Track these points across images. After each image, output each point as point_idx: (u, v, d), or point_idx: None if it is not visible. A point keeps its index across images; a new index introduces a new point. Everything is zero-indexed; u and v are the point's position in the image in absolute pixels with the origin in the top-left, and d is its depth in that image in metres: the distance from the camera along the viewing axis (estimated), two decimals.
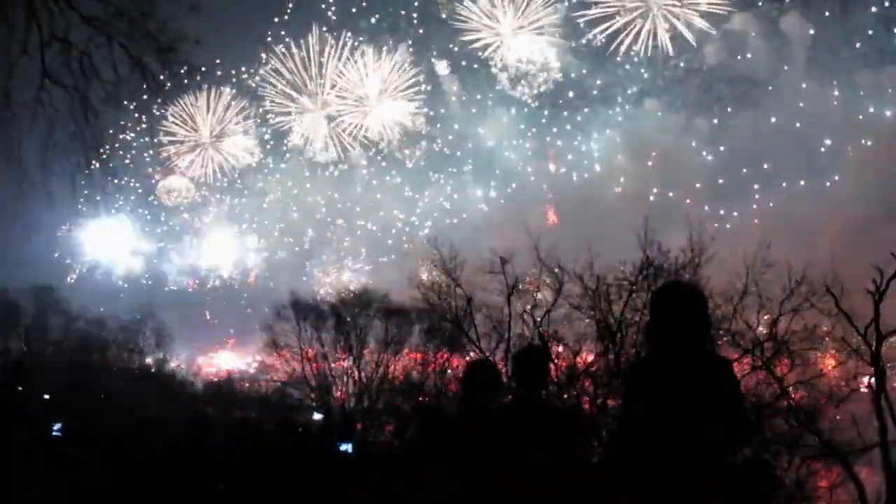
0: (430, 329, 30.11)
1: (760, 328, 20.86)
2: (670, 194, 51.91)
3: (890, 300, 20.27)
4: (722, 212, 51.01)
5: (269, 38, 59.53)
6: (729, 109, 53.89)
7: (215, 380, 47.77)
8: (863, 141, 51.04)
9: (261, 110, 60.70)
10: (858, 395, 21.50)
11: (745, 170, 53.62)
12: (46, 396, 31.39)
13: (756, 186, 53.49)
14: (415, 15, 58.18)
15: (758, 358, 20.28)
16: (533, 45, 56.08)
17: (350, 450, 25.83)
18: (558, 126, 57.70)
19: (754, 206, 52.48)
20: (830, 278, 20.32)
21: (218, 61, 55.86)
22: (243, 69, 59.89)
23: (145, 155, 60.46)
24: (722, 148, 54.47)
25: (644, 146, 55.37)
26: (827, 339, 21.59)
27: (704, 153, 55.27)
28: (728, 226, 48.50)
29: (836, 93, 51.49)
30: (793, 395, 20.74)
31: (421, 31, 58.34)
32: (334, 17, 58.94)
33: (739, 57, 52.89)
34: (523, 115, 58.50)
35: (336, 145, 59.86)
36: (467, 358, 25.26)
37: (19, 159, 13.54)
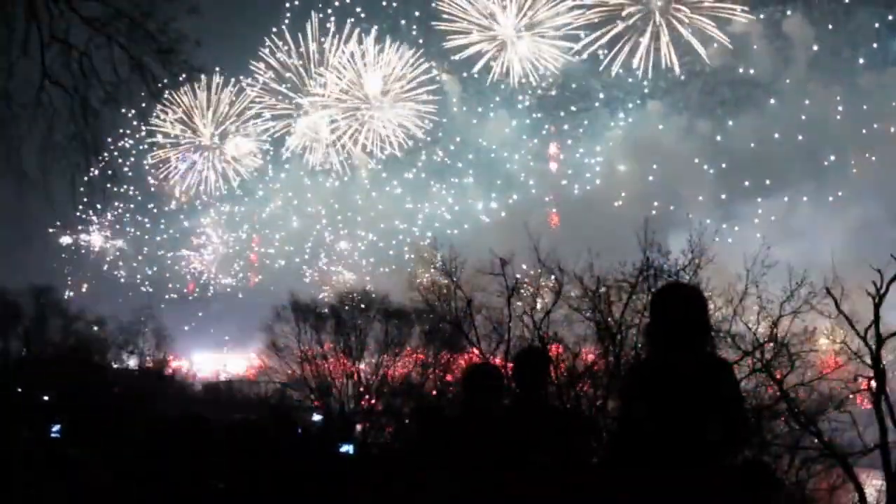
0: (430, 331, 30.13)
1: (760, 330, 20.84)
2: (672, 195, 51.87)
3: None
4: (723, 212, 51.09)
5: (268, 45, 59.34)
6: (730, 115, 53.85)
7: (215, 381, 47.79)
8: (864, 141, 51.08)
9: (260, 118, 60.38)
10: (859, 396, 21.50)
11: (746, 170, 53.70)
12: (46, 397, 31.39)
13: (757, 187, 53.55)
14: (417, 13, 57.94)
15: (758, 360, 20.27)
16: (535, 49, 55.83)
17: (351, 451, 25.84)
18: (560, 129, 57.58)
19: (756, 207, 52.54)
20: (831, 280, 20.33)
21: (217, 68, 55.98)
22: (242, 77, 59.64)
23: (145, 163, 60.38)
24: (722, 149, 54.47)
25: (646, 148, 55.37)
26: (827, 340, 21.58)
27: (706, 153, 55.28)
28: (727, 226, 48.63)
29: (839, 94, 51.53)
30: (793, 397, 20.72)
31: (421, 40, 57.94)
32: (334, 17, 58.68)
33: (741, 59, 52.84)
34: (525, 121, 58.35)
35: (337, 152, 59.53)
36: (465, 357, 25.29)
37: (19, 160, 13.53)
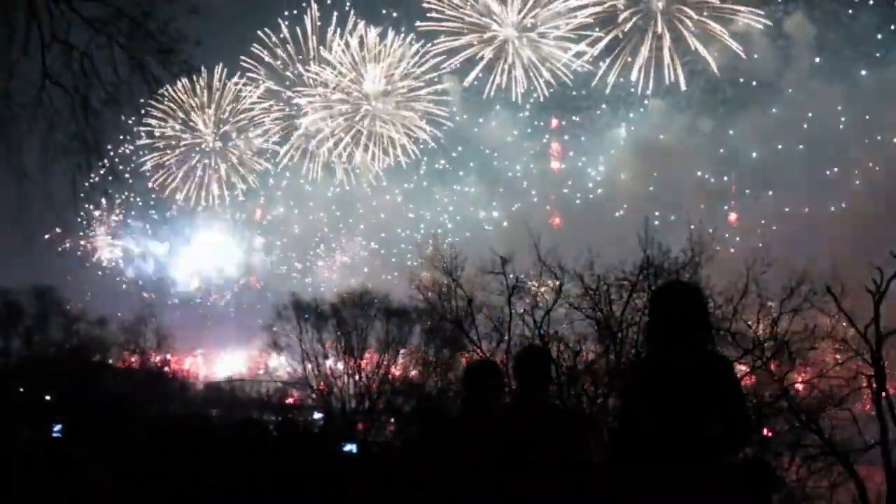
0: (430, 329, 30.13)
1: (761, 328, 20.86)
2: (674, 192, 51.77)
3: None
4: (724, 209, 51.12)
5: (268, 42, 59.09)
6: (732, 114, 53.77)
7: (216, 380, 47.81)
8: (865, 139, 51.07)
9: (259, 123, 60.09)
10: (859, 394, 21.52)
11: (748, 167, 53.70)
12: (47, 397, 31.41)
13: (759, 186, 53.55)
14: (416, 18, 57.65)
15: (758, 358, 20.28)
16: (538, 51, 55.57)
17: (354, 450, 25.88)
18: (561, 127, 57.41)
19: (757, 204, 52.56)
20: (831, 278, 20.36)
21: (220, 64, 55.78)
22: (238, 79, 59.35)
23: (145, 169, 60.23)
24: (724, 146, 54.46)
25: (647, 147, 55.31)
26: (827, 338, 21.59)
27: (708, 151, 55.23)
28: (728, 223, 48.64)
29: (840, 92, 51.50)
30: (793, 395, 20.75)
31: (420, 43, 57.51)
32: (336, 13, 58.14)
33: (745, 58, 52.70)
34: (526, 130, 58.10)
35: (338, 157, 59.20)
36: (466, 355, 25.29)
37: (20, 160, 13.55)
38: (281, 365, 33.72)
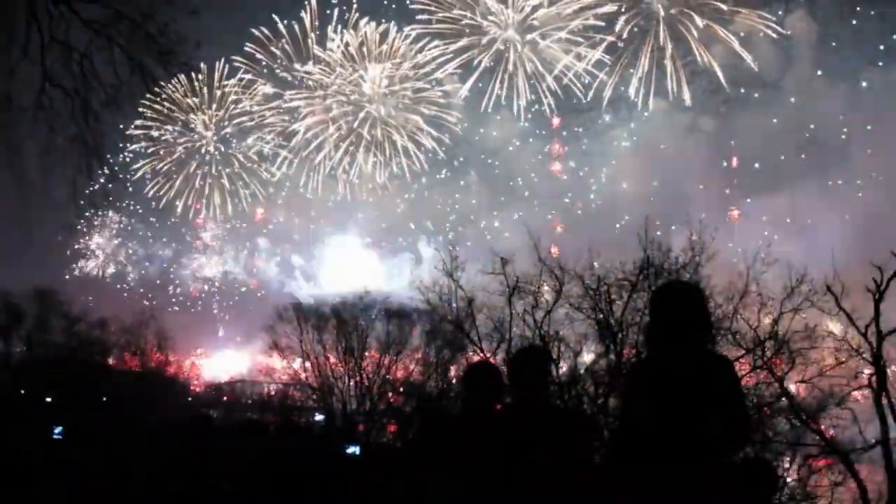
0: (431, 330, 30.13)
1: (761, 327, 20.83)
2: (675, 193, 51.70)
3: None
4: (725, 209, 51.11)
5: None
6: (734, 113, 53.73)
7: (217, 382, 47.82)
8: (867, 139, 51.05)
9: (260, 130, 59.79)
10: (860, 393, 21.49)
11: (749, 167, 53.69)
12: (48, 399, 31.42)
13: (760, 184, 53.53)
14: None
15: (759, 357, 20.27)
16: (539, 54, 55.34)
17: (357, 452, 25.86)
18: (563, 129, 57.26)
19: (758, 204, 52.55)
20: (831, 277, 20.32)
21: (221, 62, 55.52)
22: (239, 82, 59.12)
23: (145, 174, 60.16)
24: (725, 146, 54.42)
25: (650, 148, 55.23)
26: (828, 337, 21.57)
27: (709, 151, 55.19)
28: (728, 223, 48.64)
29: (842, 91, 51.50)
30: (794, 395, 20.73)
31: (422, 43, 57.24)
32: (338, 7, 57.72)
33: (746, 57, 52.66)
34: (528, 138, 57.91)
35: (342, 172, 58.82)
36: (466, 356, 25.28)
37: (20, 162, 13.56)
38: (282, 366, 33.73)
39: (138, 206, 61.86)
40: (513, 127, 57.87)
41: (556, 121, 56.98)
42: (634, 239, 20.89)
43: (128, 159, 56.95)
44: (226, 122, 60.02)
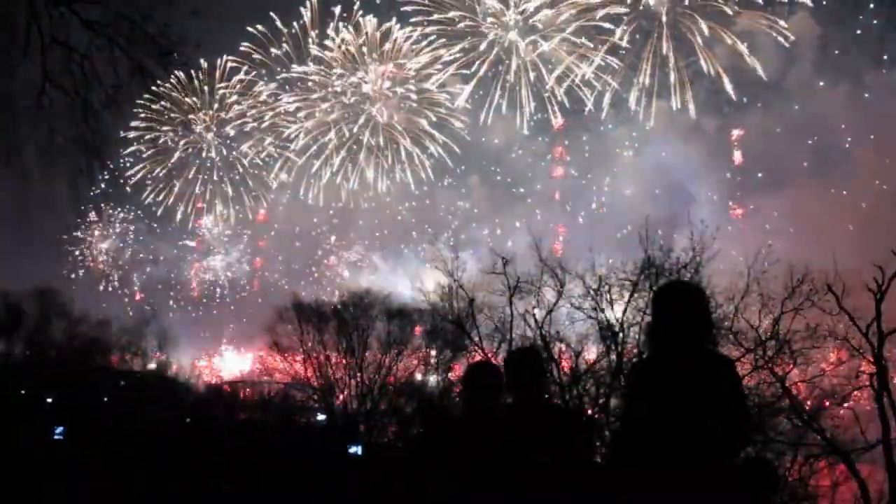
0: (432, 330, 30.10)
1: (762, 327, 20.82)
2: (677, 193, 51.66)
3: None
4: (726, 209, 51.10)
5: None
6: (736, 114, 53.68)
7: (218, 382, 47.83)
8: (868, 139, 51.03)
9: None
10: (861, 393, 21.48)
11: (751, 168, 53.71)
12: (49, 399, 31.43)
13: (761, 184, 53.54)
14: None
15: (760, 357, 20.26)
16: (544, 55, 55.12)
17: (359, 452, 25.85)
18: (566, 133, 57.13)
19: (759, 204, 52.56)
20: (832, 276, 20.30)
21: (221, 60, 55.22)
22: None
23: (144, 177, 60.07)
24: (727, 147, 54.39)
25: (653, 148, 55.17)
26: (829, 337, 21.56)
27: (712, 152, 55.16)
28: (730, 223, 48.60)
29: (844, 92, 51.49)
30: (795, 394, 20.71)
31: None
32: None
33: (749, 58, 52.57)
34: (531, 146, 57.73)
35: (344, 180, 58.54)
36: (467, 356, 25.27)
37: (21, 162, 13.56)
38: (283, 367, 33.70)
39: (140, 212, 61.93)
40: (515, 133, 57.79)
41: (558, 121, 56.79)
42: (637, 245, 20.91)
43: (128, 163, 56.98)
44: (226, 124, 60.02)
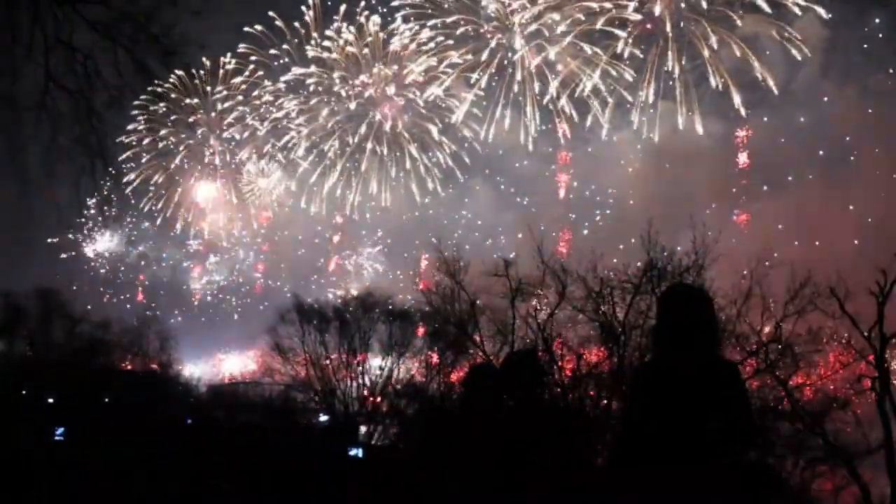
0: (434, 332, 30.09)
1: (765, 330, 20.77)
2: (682, 195, 51.51)
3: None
4: (729, 212, 51.09)
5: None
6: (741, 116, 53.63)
7: (219, 383, 47.84)
8: (873, 142, 50.97)
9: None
10: (863, 397, 21.43)
11: (755, 170, 53.66)
12: (50, 400, 31.42)
13: (764, 186, 53.51)
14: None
15: (762, 360, 20.21)
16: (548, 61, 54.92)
17: (360, 454, 25.84)
18: (569, 138, 56.99)
19: (762, 206, 52.51)
20: (835, 280, 20.26)
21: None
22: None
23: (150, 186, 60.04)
24: (732, 150, 54.36)
25: (655, 150, 55.07)
26: (831, 340, 21.53)
27: (716, 154, 55.08)
28: (733, 226, 48.56)
29: (850, 94, 51.44)
30: (797, 398, 20.66)
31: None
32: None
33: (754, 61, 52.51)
34: (535, 158, 57.65)
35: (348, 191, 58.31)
36: (469, 358, 25.25)
37: (23, 163, 13.57)
38: (284, 367, 33.70)
39: (142, 214, 61.97)
40: (519, 143, 57.59)
41: (563, 129, 56.52)
42: (640, 249, 20.85)
43: (130, 166, 57.01)
44: (228, 128, 60.01)
